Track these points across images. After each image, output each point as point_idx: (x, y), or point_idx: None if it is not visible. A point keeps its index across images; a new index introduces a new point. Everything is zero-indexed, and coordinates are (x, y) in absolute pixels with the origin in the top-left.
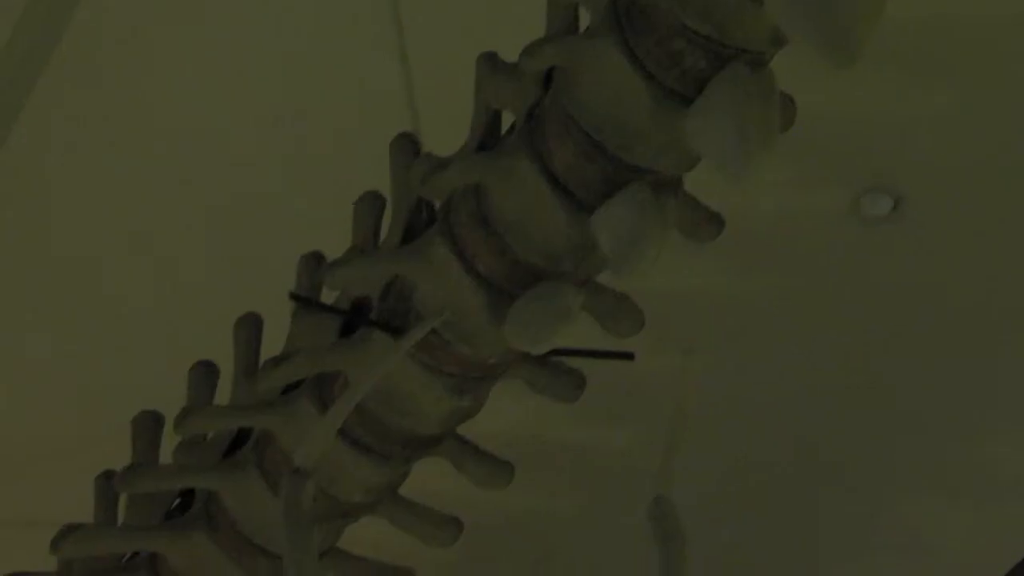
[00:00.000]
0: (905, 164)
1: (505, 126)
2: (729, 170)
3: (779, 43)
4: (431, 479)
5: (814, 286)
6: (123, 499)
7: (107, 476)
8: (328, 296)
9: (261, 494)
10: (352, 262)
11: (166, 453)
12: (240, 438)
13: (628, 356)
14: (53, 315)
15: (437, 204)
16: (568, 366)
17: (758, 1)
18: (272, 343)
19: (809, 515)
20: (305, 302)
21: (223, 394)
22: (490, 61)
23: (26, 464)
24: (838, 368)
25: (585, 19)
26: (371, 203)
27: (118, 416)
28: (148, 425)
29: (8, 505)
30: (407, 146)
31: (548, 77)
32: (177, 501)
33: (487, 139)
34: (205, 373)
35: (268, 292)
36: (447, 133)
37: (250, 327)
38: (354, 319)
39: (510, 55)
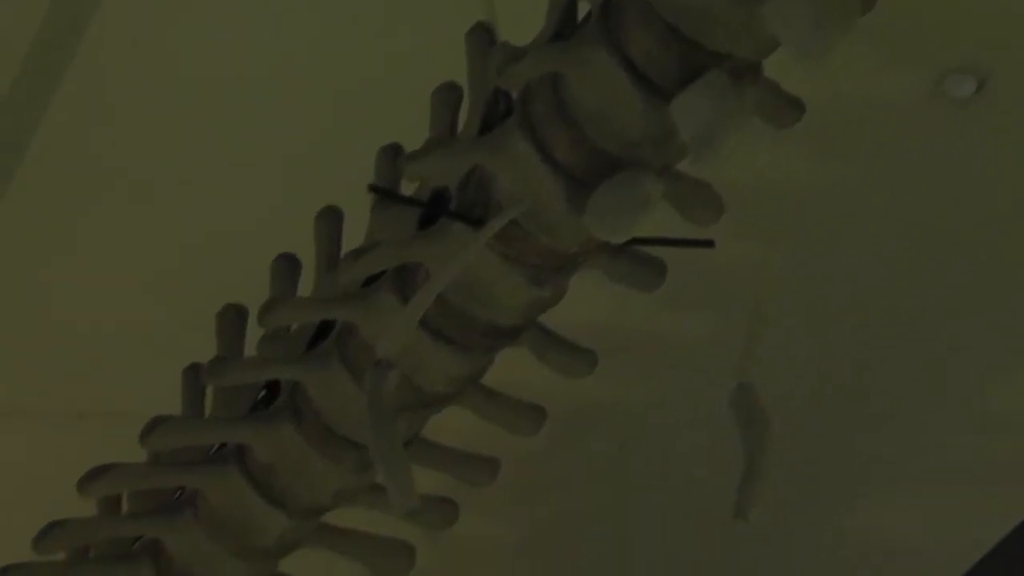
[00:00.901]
0: (989, 44)
1: (581, 15)
2: (808, 54)
3: None
4: (513, 370)
5: (896, 171)
6: (210, 392)
7: (194, 369)
8: (407, 188)
9: (345, 385)
10: (431, 153)
11: (251, 346)
12: (323, 331)
13: (708, 244)
14: (140, 205)
15: (514, 94)
16: (648, 255)
17: None
18: (352, 238)
19: (890, 404)
20: (384, 194)
21: (305, 288)
22: None
23: (115, 356)
24: (922, 254)
25: None
26: (449, 94)
27: (204, 310)
28: (233, 318)
29: (97, 397)
30: (483, 36)
31: None
32: (263, 394)
33: (564, 28)
34: (287, 266)
35: (347, 185)
36: (524, 23)
37: (331, 220)
38: (433, 210)
39: None
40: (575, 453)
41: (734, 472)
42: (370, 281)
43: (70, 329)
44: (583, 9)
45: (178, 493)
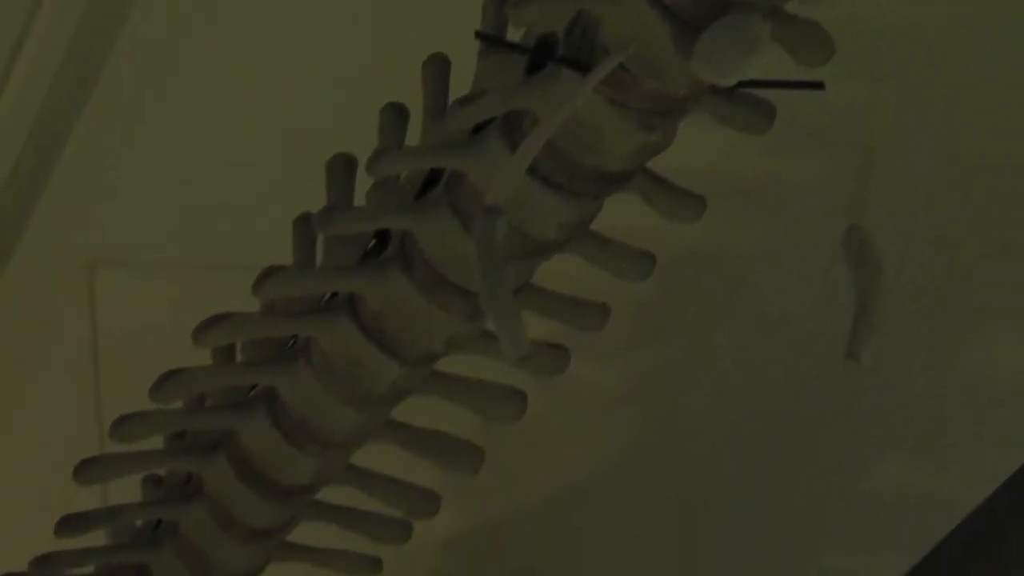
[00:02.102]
0: None
1: None
2: None
3: None
4: (623, 216)
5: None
6: (320, 242)
7: (305, 219)
8: (514, 35)
9: (455, 233)
10: None
11: (360, 197)
12: (432, 180)
13: (818, 86)
14: (245, 59)
15: None
16: (757, 97)
17: None
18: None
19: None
20: (491, 40)
21: (413, 138)
22: None
23: (225, 209)
24: None
25: None
26: None
27: (313, 160)
28: (342, 168)
29: (209, 250)
30: None
31: None
32: (372, 243)
33: None
34: (396, 115)
35: (455, 34)
36: None
37: (438, 68)
38: (540, 57)
39: None
40: (685, 299)
41: (846, 315)
42: (478, 129)
43: (183, 181)
44: None
45: (291, 342)
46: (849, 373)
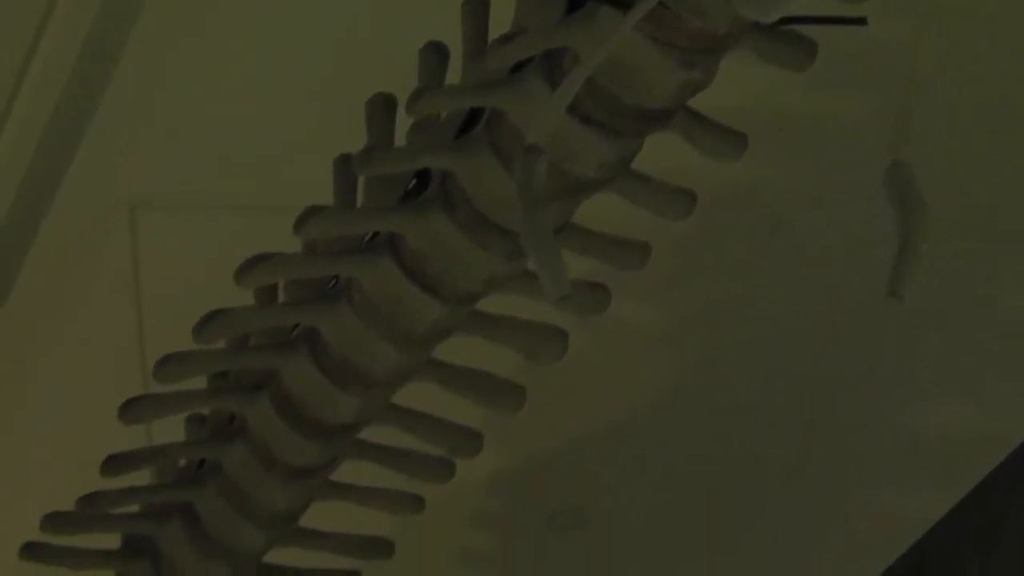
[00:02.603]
0: None
1: None
2: None
3: None
4: (663, 155)
5: None
6: (360, 183)
7: (345, 160)
8: None
9: (495, 172)
10: None
11: (400, 137)
12: (472, 119)
13: (861, 21)
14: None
15: None
16: (799, 33)
17: None
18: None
19: None
20: None
21: (453, 76)
22: None
23: (266, 151)
24: None
25: None
26: None
27: (352, 101)
28: (382, 108)
29: (250, 192)
30: None
31: None
32: (413, 183)
33: None
34: (435, 55)
35: None
36: None
37: (477, 7)
38: None
39: None
40: (725, 239)
41: (888, 254)
42: (518, 68)
43: (223, 123)
44: None
45: (333, 282)
46: (890, 310)
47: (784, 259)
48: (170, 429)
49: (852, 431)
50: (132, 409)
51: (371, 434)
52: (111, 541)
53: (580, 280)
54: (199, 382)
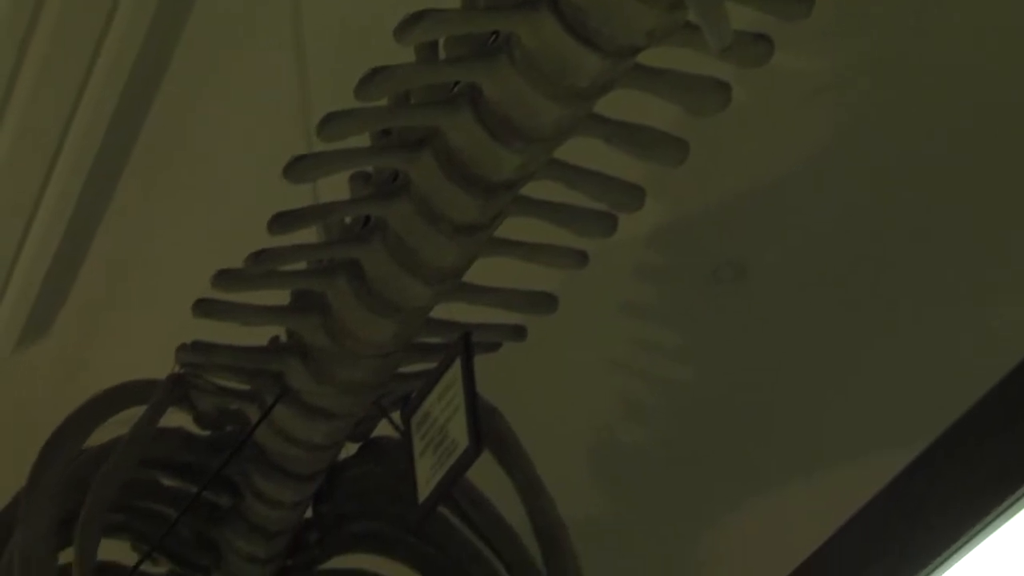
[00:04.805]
0: None
1: None
2: None
3: None
4: None
5: None
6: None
7: None
8: None
9: None
10: None
11: None
12: None
13: None
14: None
15: None
16: None
17: None
18: None
19: None
20: None
21: None
22: None
23: None
24: None
25: None
26: None
27: None
28: None
29: None
30: None
31: None
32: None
33: None
34: None
35: None
36: None
37: None
38: None
39: None
40: None
41: None
42: None
43: None
44: None
45: (493, 38)
46: None
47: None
48: (335, 187)
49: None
50: (297, 168)
51: (534, 189)
52: (281, 297)
53: (743, 31)
54: (363, 140)
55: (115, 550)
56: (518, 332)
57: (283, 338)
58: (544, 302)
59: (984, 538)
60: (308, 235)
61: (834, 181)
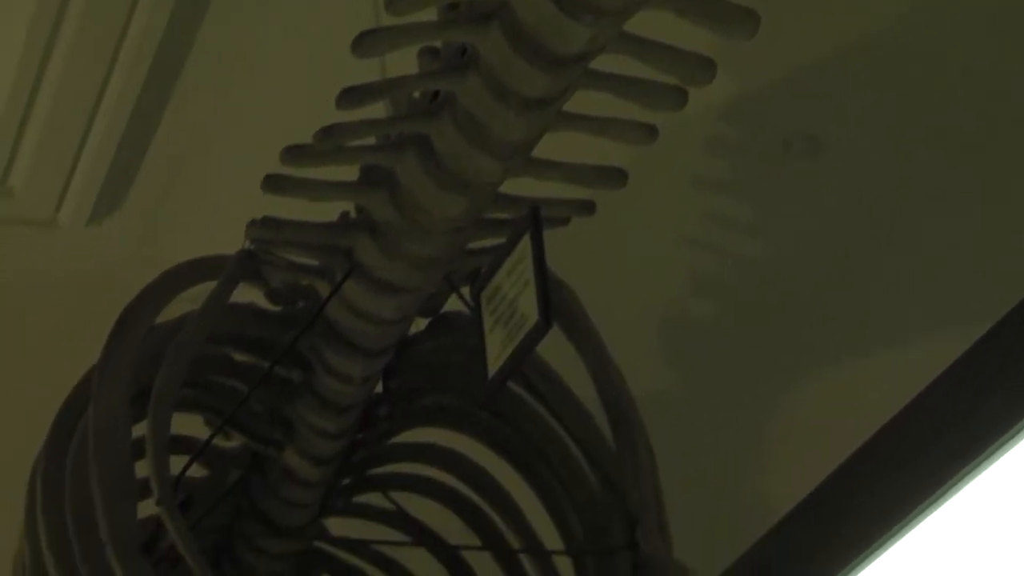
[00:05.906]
0: None
1: None
2: None
3: None
4: None
5: None
6: None
7: None
8: None
9: None
10: None
11: None
12: None
13: None
14: None
15: None
16: None
17: None
18: None
19: None
20: None
21: None
22: None
23: None
24: None
25: None
26: None
27: None
28: None
29: None
30: None
31: None
32: None
33: None
34: None
35: None
36: None
37: None
38: None
39: None
40: None
41: None
42: None
43: None
44: None
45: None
46: None
47: None
48: (404, 62)
49: None
50: (365, 42)
51: (604, 63)
52: (350, 173)
53: None
54: (431, 13)
55: (188, 424)
56: (587, 207)
57: (352, 214)
58: (613, 176)
59: None
60: (376, 110)
61: (906, 55)
